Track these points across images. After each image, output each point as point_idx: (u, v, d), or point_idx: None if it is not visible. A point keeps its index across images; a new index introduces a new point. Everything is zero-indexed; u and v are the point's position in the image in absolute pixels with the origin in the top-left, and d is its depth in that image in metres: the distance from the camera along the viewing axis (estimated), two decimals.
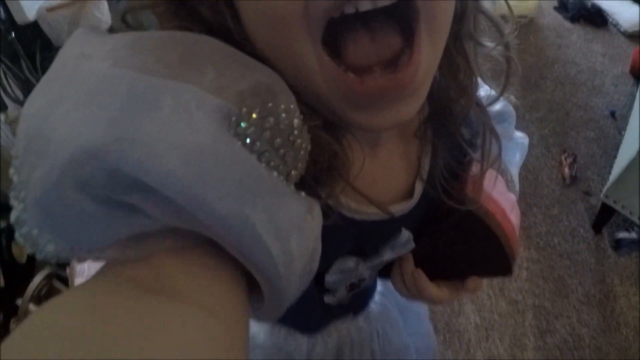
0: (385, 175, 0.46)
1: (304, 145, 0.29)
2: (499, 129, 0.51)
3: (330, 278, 0.50)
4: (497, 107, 0.58)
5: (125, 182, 0.21)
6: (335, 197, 0.40)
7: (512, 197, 0.53)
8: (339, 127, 0.38)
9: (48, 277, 1.27)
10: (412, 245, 0.51)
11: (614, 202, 1.61)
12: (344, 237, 0.46)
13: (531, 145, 1.15)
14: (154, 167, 0.21)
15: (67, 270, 1.28)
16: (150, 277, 0.23)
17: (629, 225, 1.74)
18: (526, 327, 1.48)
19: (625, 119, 2.03)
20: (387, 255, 0.50)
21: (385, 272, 0.58)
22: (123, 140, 0.21)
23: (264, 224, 0.24)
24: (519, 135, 0.66)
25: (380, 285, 0.70)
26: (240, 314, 0.26)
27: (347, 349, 0.70)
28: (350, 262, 0.49)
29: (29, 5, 1.39)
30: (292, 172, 0.28)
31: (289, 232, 0.25)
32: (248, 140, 0.25)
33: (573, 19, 2.72)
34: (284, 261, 0.25)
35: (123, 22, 0.32)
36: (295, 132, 0.28)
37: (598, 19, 2.70)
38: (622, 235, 1.72)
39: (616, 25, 2.71)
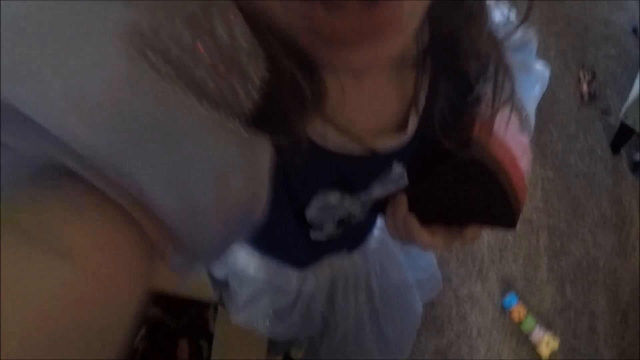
0: (372, 105, 0.41)
1: (252, 70, 0.25)
2: (515, 58, 0.46)
3: (311, 213, 0.47)
4: (521, 34, 0.52)
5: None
6: (312, 130, 0.37)
7: (525, 140, 0.48)
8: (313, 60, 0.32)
9: None
10: (405, 181, 0.46)
11: (633, 122, 1.50)
12: (324, 170, 0.42)
13: (548, 61, 1.00)
14: (36, 98, 0.19)
15: None
16: (35, 224, 0.21)
17: None
18: (540, 248, 1.40)
19: None
20: (377, 191, 0.47)
21: (379, 208, 0.52)
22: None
23: (154, 169, 0.22)
24: (539, 66, 0.58)
25: (380, 221, 0.66)
26: (126, 274, 0.24)
27: (341, 283, 0.70)
28: (332, 198, 0.45)
29: None
30: (238, 101, 0.25)
31: (200, 175, 0.24)
32: (163, 66, 0.22)
33: None
34: (183, 208, 0.24)
35: None
36: (240, 51, 0.24)
37: None
38: None
39: None
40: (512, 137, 0.45)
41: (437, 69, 0.41)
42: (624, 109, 1.52)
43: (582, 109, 1.77)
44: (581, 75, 1.85)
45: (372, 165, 0.43)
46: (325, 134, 0.38)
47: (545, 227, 1.44)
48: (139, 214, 0.23)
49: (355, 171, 0.43)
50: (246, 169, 0.26)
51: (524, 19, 0.40)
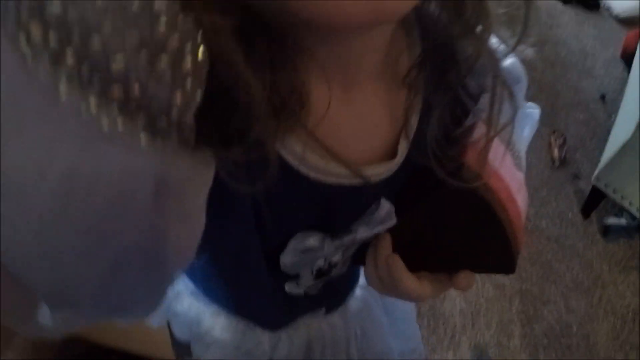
0: (360, 127, 0.37)
1: (189, 61, 0.18)
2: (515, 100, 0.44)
3: (286, 259, 0.40)
4: (505, 64, 0.47)
5: None
6: (288, 151, 0.31)
7: (520, 176, 0.44)
8: (295, 53, 0.29)
9: None
10: (393, 220, 0.41)
11: (605, 185, 1.56)
12: (305, 204, 0.37)
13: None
14: None
15: None
16: None
17: (617, 211, 1.69)
18: (513, 313, 1.41)
19: (615, 102, 1.99)
20: (362, 233, 0.41)
21: (362, 258, 0.46)
22: None
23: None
24: (529, 104, 0.54)
25: (362, 278, 0.60)
26: None
27: (318, 349, 0.61)
28: (312, 240, 0.39)
29: None
30: (144, 104, 0.18)
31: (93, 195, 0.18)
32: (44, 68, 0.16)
33: (565, 0, 2.64)
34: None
35: None
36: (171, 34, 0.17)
37: (590, 1, 2.64)
38: (611, 221, 1.67)
39: (608, 9, 2.65)
40: (508, 170, 0.41)
41: (431, 89, 0.38)
42: (596, 173, 1.57)
43: (554, 173, 1.82)
44: (552, 140, 1.91)
45: (357, 198, 0.39)
46: (303, 157, 0.32)
47: (518, 293, 1.46)
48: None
49: (337, 206, 0.39)
50: (162, 197, 0.21)
51: (518, 41, 0.36)
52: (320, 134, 0.32)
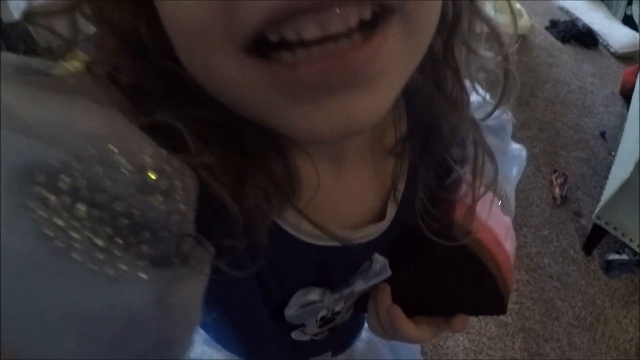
0: (350, 196, 0.40)
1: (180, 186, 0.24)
2: (493, 141, 0.46)
3: (290, 312, 0.43)
4: (499, 117, 0.51)
5: None
6: (285, 221, 0.35)
7: (507, 221, 0.48)
8: (286, 144, 0.32)
9: None
10: (388, 273, 0.44)
11: (606, 223, 1.60)
12: (304, 266, 0.40)
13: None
14: None
15: None
16: None
17: (619, 247, 1.73)
18: (516, 351, 1.45)
19: (615, 139, 2.04)
20: (359, 286, 0.44)
21: (364, 305, 0.50)
22: None
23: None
24: (516, 147, 0.58)
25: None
26: None
27: None
28: (313, 295, 0.42)
29: (15, 4, 1.36)
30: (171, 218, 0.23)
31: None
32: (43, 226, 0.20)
33: (564, 39, 2.73)
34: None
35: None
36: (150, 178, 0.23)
37: (589, 39, 2.72)
38: (613, 257, 1.71)
39: (607, 46, 2.73)
40: (495, 219, 0.44)
41: (417, 156, 0.41)
42: (596, 211, 1.61)
43: (555, 211, 1.87)
44: (553, 178, 1.95)
45: (351, 257, 0.42)
46: (298, 226, 0.36)
47: (520, 330, 1.51)
48: None
49: (334, 265, 0.42)
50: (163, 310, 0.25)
51: (496, 106, 0.40)
52: (312, 205, 0.35)
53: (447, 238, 0.41)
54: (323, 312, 0.46)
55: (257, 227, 0.30)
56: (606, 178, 1.77)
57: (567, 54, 2.67)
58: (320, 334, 0.50)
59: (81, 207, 0.21)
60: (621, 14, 2.92)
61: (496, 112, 0.46)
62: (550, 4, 3.04)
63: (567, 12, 2.94)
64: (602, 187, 1.77)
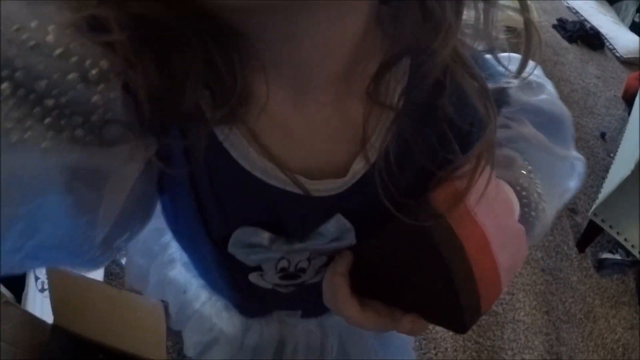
0: (312, 137, 0.34)
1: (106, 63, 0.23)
2: (552, 139, 0.41)
3: (232, 249, 0.39)
4: (544, 104, 0.43)
5: None
6: (232, 144, 0.32)
7: (517, 229, 0.38)
8: (235, 51, 0.29)
9: None
10: (350, 240, 0.39)
11: (602, 220, 1.59)
12: (249, 201, 0.36)
13: None
14: None
15: None
16: None
17: (612, 247, 1.72)
18: (504, 341, 1.43)
19: (615, 141, 2.04)
20: (316, 245, 0.39)
21: None
22: None
23: None
24: (576, 155, 0.47)
25: None
26: None
27: (290, 348, 0.61)
28: (259, 237, 0.38)
29: None
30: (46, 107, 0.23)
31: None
32: None
33: (571, 39, 2.71)
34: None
35: None
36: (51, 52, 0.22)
37: (595, 41, 2.71)
38: (606, 256, 1.70)
39: (612, 49, 2.72)
40: (496, 219, 0.36)
41: (409, 113, 0.34)
42: (593, 208, 1.60)
43: None
44: None
45: (307, 209, 0.37)
46: (247, 154, 0.32)
47: (510, 321, 1.48)
48: None
49: (286, 212, 0.37)
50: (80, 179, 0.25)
51: (522, 65, 0.34)
52: (266, 134, 0.32)
53: (412, 216, 0.34)
54: (283, 263, 0.42)
55: (194, 131, 0.29)
56: (603, 178, 1.76)
57: (572, 53, 2.65)
58: (284, 287, 0.46)
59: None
60: (629, 20, 2.91)
61: (555, 103, 0.41)
62: (559, 3, 3.02)
63: (576, 12, 2.92)
64: (599, 187, 1.76)
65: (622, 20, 2.93)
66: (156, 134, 0.28)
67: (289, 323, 0.59)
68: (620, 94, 2.44)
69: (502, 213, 0.37)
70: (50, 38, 0.22)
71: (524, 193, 0.40)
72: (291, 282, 0.45)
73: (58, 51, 0.22)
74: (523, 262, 0.40)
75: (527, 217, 0.41)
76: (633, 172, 1.42)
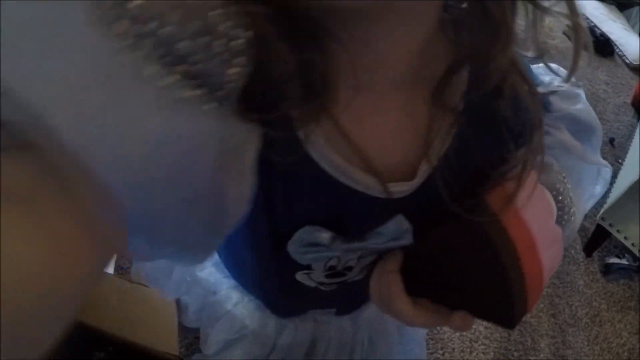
0: (383, 137, 0.36)
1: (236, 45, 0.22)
2: (571, 140, 0.43)
3: (291, 248, 0.40)
4: (581, 114, 0.46)
5: None
6: (313, 145, 0.32)
7: (557, 232, 0.40)
8: (325, 42, 0.30)
9: None
10: (408, 240, 0.40)
11: (610, 225, 1.60)
12: (319, 200, 0.37)
13: None
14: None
15: None
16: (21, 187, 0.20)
17: (619, 252, 1.73)
18: (511, 342, 1.44)
19: (624, 147, 2.03)
20: (373, 244, 0.40)
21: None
22: None
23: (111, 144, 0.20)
24: (604, 162, 0.50)
25: None
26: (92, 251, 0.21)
27: (322, 347, 0.62)
28: (319, 236, 0.39)
29: None
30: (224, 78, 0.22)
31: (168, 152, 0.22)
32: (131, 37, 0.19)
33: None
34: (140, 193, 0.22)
35: None
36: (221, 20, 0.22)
37: (605, 48, 2.71)
38: (613, 260, 1.71)
39: (622, 56, 2.72)
40: (540, 222, 0.38)
41: (470, 117, 0.36)
42: (601, 212, 1.61)
43: None
44: None
45: (373, 209, 0.38)
46: (325, 153, 0.34)
47: None
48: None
49: (352, 211, 0.39)
50: (224, 154, 0.24)
51: (572, 71, 0.36)
52: (346, 136, 0.33)
53: (472, 214, 0.36)
54: (333, 262, 0.43)
55: (294, 121, 0.30)
56: (612, 184, 1.76)
57: (582, 60, 2.64)
58: (328, 285, 0.47)
59: (147, 45, 0.20)
60: (639, 27, 2.91)
61: (585, 110, 0.44)
62: None
63: (586, 19, 2.91)
64: (607, 192, 1.76)
65: (633, 27, 2.93)
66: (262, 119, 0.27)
67: (322, 321, 0.60)
68: (629, 100, 2.44)
69: (544, 215, 0.39)
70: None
71: (560, 197, 0.42)
72: (336, 280, 0.46)
73: (214, 13, 0.21)
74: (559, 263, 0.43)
75: (561, 221, 0.42)
76: None
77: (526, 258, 0.36)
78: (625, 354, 1.53)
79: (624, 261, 1.70)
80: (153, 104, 0.20)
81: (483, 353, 1.40)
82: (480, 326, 1.45)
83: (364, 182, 0.36)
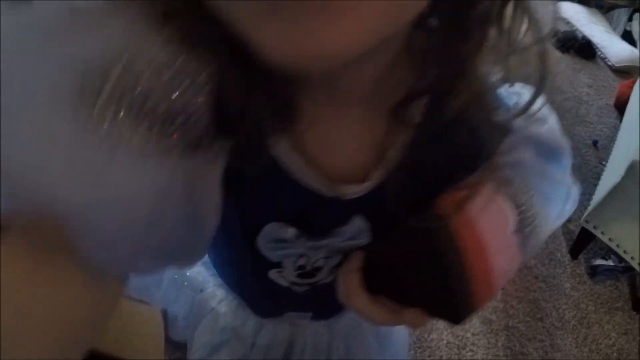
0: (344, 148, 0.39)
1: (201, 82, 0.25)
2: (549, 166, 0.44)
3: (260, 242, 0.43)
4: (548, 135, 0.46)
5: None
6: (280, 151, 0.36)
7: (512, 240, 0.41)
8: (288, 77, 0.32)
9: None
10: (364, 239, 0.43)
11: (594, 227, 1.61)
12: (283, 197, 0.40)
13: None
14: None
15: None
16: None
17: (605, 253, 1.74)
18: (499, 348, 1.45)
19: (607, 149, 2.06)
20: (334, 241, 0.43)
21: None
22: None
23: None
24: (571, 182, 0.51)
25: None
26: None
27: (299, 349, 0.64)
28: (285, 232, 0.42)
29: None
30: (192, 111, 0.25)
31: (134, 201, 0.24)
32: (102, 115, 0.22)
33: (563, 49, 2.75)
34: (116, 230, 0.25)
35: None
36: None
37: (587, 51, 2.75)
38: (599, 262, 1.72)
39: (604, 58, 2.76)
40: (494, 229, 0.40)
41: (427, 134, 0.38)
42: (585, 215, 1.63)
43: None
44: None
45: (332, 209, 0.40)
46: (291, 160, 0.37)
47: (504, 328, 1.50)
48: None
49: (314, 210, 0.41)
50: (192, 183, 0.27)
51: (534, 98, 0.36)
52: (308, 145, 0.37)
53: (420, 218, 0.39)
54: (302, 261, 0.46)
55: (262, 137, 0.33)
56: (596, 185, 1.78)
57: (565, 63, 2.69)
58: (300, 285, 0.49)
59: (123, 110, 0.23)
60: (621, 29, 2.95)
61: (552, 132, 0.45)
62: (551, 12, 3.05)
63: (568, 22, 2.96)
64: (591, 194, 1.78)
65: (614, 29, 2.97)
66: (230, 137, 0.30)
67: (299, 325, 0.63)
68: (612, 102, 2.47)
69: (499, 224, 0.41)
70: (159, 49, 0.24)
71: (522, 208, 0.42)
72: (307, 281, 0.49)
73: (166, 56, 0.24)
74: (517, 269, 0.44)
75: (522, 230, 0.43)
76: (623, 178, 1.44)
77: (473, 260, 0.38)
78: (615, 354, 1.53)
79: (610, 262, 1.71)
80: (131, 163, 0.23)
81: None
82: (468, 333, 1.46)
83: (319, 183, 0.38)
